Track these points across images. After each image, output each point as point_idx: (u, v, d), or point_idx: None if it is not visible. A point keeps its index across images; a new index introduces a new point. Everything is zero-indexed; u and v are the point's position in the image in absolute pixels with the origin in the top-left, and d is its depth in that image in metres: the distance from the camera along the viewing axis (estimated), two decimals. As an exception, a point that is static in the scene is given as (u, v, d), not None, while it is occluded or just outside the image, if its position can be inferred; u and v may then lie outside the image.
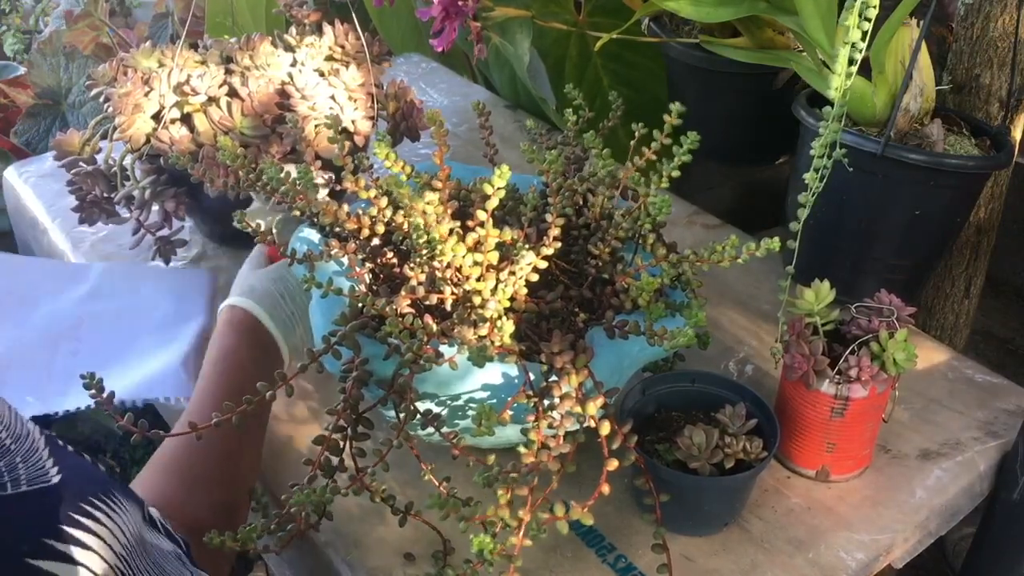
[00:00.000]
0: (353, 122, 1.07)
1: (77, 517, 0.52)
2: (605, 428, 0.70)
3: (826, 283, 0.83)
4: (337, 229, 0.84)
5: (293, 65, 1.09)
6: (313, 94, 1.06)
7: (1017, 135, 1.14)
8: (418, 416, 0.75)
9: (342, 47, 1.12)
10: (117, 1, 1.99)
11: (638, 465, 0.74)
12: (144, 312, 1.05)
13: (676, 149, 0.80)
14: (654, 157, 0.85)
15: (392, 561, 0.81)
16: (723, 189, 1.59)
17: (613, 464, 0.69)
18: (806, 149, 0.86)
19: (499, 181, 0.73)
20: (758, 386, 0.95)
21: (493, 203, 0.74)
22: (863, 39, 0.79)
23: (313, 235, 0.89)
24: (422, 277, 0.79)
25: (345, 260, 0.84)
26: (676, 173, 0.81)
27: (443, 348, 0.74)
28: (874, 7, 0.78)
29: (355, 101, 1.08)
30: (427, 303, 0.79)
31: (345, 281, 0.83)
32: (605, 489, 0.68)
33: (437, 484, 0.77)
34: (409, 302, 0.78)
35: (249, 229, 0.83)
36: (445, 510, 0.73)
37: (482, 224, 0.75)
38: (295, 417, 0.96)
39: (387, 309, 0.74)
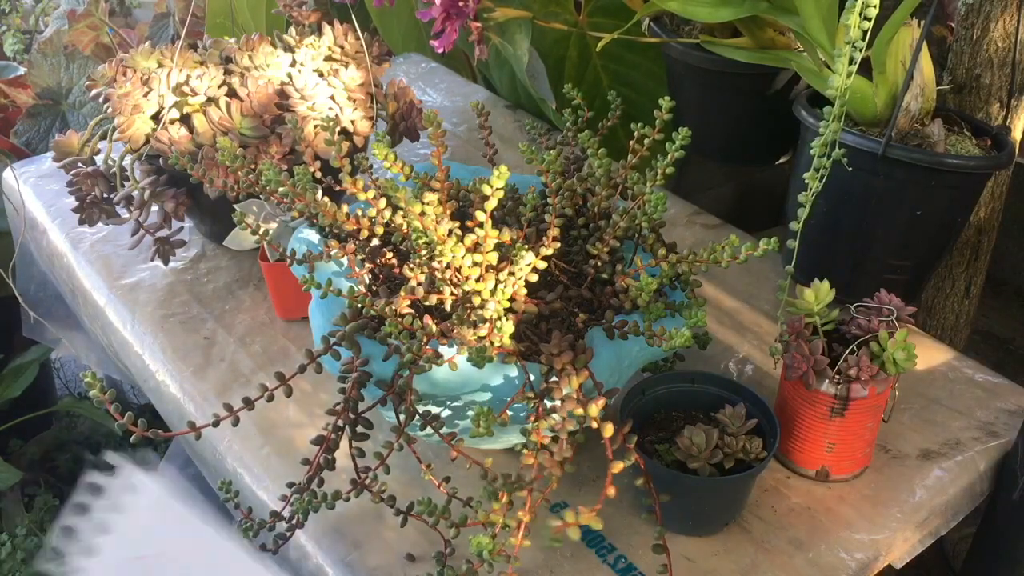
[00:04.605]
0: (352, 122, 1.07)
1: None
2: (608, 430, 0.70)
3: (826, 283, 0.83)
4: (336, 230, 0.84)
5: (292, 65, 1.09)
6: (312, 94, 1.06)
7: (1017, 135, 1.14)
8: (417, 417, 0.75)
9: (341, 47, 1.12)
10: (117, 1, 1.99)
11: (638, 465, 0.74)
12: None
13: (670, 146, 0.81)
14: (647, 154, 0.85)
15: (393, 561, 0.81)
16: (723, 189, 1.58)
17: (618, 467, 0.68)
18: (806, 149, 0.86)
19: (498, 182, 0.73)
20: (758, 386, 0.95)
21: (492, 204, 0.74)
22: (864, 39, 0.79)
23: (312, 236, 0.89)
24: (421, 278, 0.79)
25: (344, 261, 0.84)
26: (671, 170, 0.81)
27: (443, 349, 0.74)
28: (875, 7, 0.78)
29: (354, 101, 1.08)
30: (427, 304, 0.79)
31: (344, 282, 0.83)
32: (611, 492, 0.68)
33: (437, 484, 0.77)
34: (409, 303, 0.78)
35: (249, 229, 0.83)
36: (436, 515, 0.73)
37: (481, 225, 0.75)
38: (293, 418, 0.96)
39: (387, 310, 0.74)
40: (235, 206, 0.89)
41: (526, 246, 0.76)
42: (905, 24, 0.96)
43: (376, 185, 0.81)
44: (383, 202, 0.79)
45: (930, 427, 0.94)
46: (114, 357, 1.17)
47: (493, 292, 0.75)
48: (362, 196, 0.78)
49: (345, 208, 0.80)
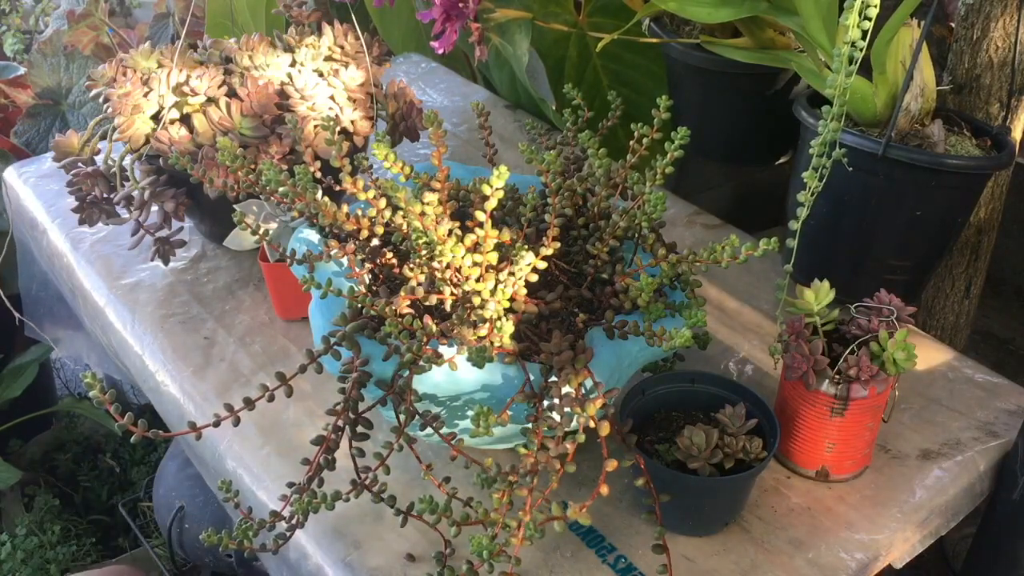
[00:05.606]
0: (352, 122, 1.07)
1: None
2: (604, 429, 0.70)
3: (826, 283, 0.83)
4: (336, 230, 0.84)
5: (292, 65, 1.09)
6: (312, 94, 1.06)
7: (1017, 135, 1.14)
8: (417, 417, 0.75)
9: (341, 47, 1.12)
10: (117, 1, 1.99)
11: (638, 465, 0.74)
12: None
13: (669, 146, 0.81)
14: (647, 154, 0.85)
15: (392, 561, 0.81)
16: (723, 189, 1.58)
17: (612, 465, 0.69)
18: (806, 149, 0.86)
19: (498, 182, 0.73)
20: (758, 386, 0.95)
21: (492, 204, 0.74)
22: (863, 39, 0.79)
23: (312, 236, 0.89)
24: (421, 278, 0.79)
25: (344, 261, 0.84)
26: (670, 170, 0.81)
27: (443, 349, 0.74)
28: (875, 7, 0.78)
29: (354, 101, 1.08)
30: (427, 304, 0.79)
31: (345, 282, 0.83)
32: (604, 490, 0.68)
33: (437, 484, 0.77)
34: (409, 303, 0.78)
35: (249, 229, 0.83)
36: (437, 514, 0.73)
37: (481, 225, 0.75)
38: (293, 418, 0.96)
39: (387, 310, 0.74)
40: (235, 206, 0.89)
41: (526, 246, 0.76)
42: (905, 24, 0.96)
43: (376, 185, 0.81)
44: (383, 202, 0.79)
45: (930, 427, 0.94)
46: (114, 357, 1.17)
47: (493, 292, 0.75)
48: (362, 196, 0.78)
49: (345, 208, 0.80)
